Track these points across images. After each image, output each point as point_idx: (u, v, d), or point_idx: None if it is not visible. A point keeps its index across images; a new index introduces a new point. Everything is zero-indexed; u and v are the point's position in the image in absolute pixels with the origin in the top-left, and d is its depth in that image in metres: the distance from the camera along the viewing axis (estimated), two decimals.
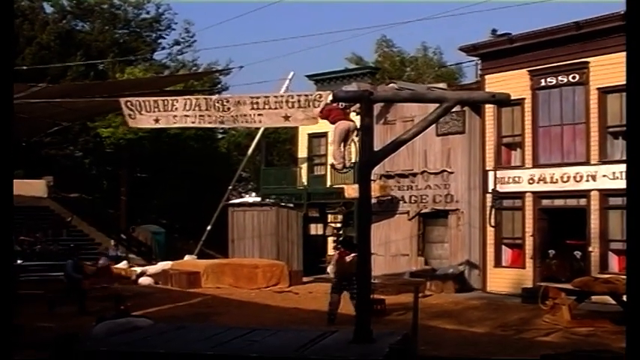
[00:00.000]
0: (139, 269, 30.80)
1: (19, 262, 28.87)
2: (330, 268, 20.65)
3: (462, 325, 19.02)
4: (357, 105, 13.26)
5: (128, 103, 13.29)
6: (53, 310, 20.24)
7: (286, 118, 12.39)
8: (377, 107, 24.26)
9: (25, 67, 33.79)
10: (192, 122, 13.05)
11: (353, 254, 18.69)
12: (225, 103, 12.71)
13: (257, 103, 12.47)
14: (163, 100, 13.15)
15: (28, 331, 15.31)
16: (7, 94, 6.91)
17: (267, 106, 12.43)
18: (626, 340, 6.20)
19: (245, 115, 12.58)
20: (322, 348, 7.85)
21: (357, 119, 14.19)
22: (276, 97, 12.68)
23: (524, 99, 25.34)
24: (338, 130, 15.54)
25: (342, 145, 15.88)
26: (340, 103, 15.73)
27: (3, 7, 6.90)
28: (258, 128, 36.73)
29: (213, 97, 13.24)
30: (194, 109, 12.72)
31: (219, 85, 50.88)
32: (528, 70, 25.41)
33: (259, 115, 12.47)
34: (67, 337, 8.35)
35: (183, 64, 53.10)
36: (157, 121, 13.14)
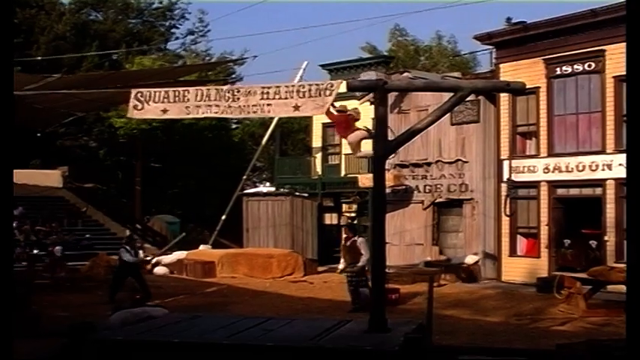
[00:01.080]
0: (154, 259, 30.94)
1: (35, 251, 29.13)
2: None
3: (476, 314, 19.00)
4: (371, 95, 13.25)
5: (139, 94, 13.23)
6: (113, 299, 19.47)
7: (296, 108, 12.28)
8: (391, 96, 24.28)
9: (39, 58, 33.91)
10: (204, 113, 12.99)
11: (353, 238, 19.06)
12: (235, 93, 12.63)
13: (267, 93, 12.38)
14: (174, 91, 13.09)
15: (44, 319, 15.43)
16: (7, 90, 6.91)
17: (277, 96, 12.32)
18: (627, 332, 6.19)
19: (255, 105, 12.50)
20: (337, 337, 7.86)
21: (370, 109, 14.17)
22: (287, 86, 12.56)
23: (539, 88, 25.24)
24: (352, 138, 15.92)
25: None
26: (349, 114, 16.14)
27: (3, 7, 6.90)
28: (272, 118, 36.78)
29: (224, 87, 13.16)
30: (205, 100, 12.66)
31: (234, 75, 50.94)
32: (543, 59, 25.29)
33: (268, 105, 12.38)
34: (84, 326, 8.40)
35: (196, 54, 53.13)
36: (164, 111, 13.07)
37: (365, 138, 16.28)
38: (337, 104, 15.17)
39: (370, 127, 15.20)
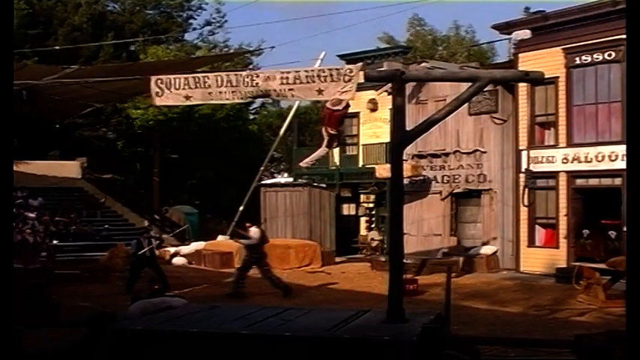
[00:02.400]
0: (172, 249, 31.04)
1: (54, 242, 29.33)
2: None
3: (495, 305, 18.96)
4: (389, 85, 13.25)
5: (158, 81, 13.31)
6: (130, 290, 19.33)
7: (320, 92, 12.36)
8: (409, 87, 24.21)
9: (57, 48, 34.04)
10: (227, 99, 13.10)
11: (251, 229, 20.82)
12: (254, 79, 12.72)
13: (287, 78, 12.46)
14: (194, 78, 13.17)
15: (64, 309, 15.53)
16: (7, 83, 6.93)
17: (297, 81, 12.42)
18: (627, 326, 6.15)
19: (275, 90, 12.60)
20: (355, 327, 7.86)
21: (388, 100, 14.22)
22: (306, 71, 12.62)
23: (558, 77, 25.07)
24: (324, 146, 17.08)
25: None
26: (337, 111, 16.76)
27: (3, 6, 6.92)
28: (289, 109, 36.79)
29: (244, 73, 13.26)
30: (226, 85, 12.75)
31: (251, 66, 50.86)
32: (562, 48, 25.12)
33: (290, 89, 12.46)
34: (103, 316, 8.44)
35: (214, 45, 53.11)
36: (187, 98, 13.16)
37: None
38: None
39: (388, 117, 15.37)
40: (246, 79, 12.64)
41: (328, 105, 17.49)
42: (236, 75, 12.99)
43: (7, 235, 6.77)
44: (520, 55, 26.38)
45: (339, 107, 17.17)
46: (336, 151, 35.34)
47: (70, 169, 39.85)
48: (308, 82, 12.20)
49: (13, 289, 6.72)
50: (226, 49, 52.61)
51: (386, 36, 56.14)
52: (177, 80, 13.16)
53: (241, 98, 13.03)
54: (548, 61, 24.75)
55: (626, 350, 6.14)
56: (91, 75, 25.88)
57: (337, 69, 12.31)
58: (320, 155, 20.27)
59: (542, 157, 25.77)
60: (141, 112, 40.54)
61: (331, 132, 17.66)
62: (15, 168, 34.92)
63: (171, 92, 13.14)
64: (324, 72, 12.41)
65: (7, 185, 6.70)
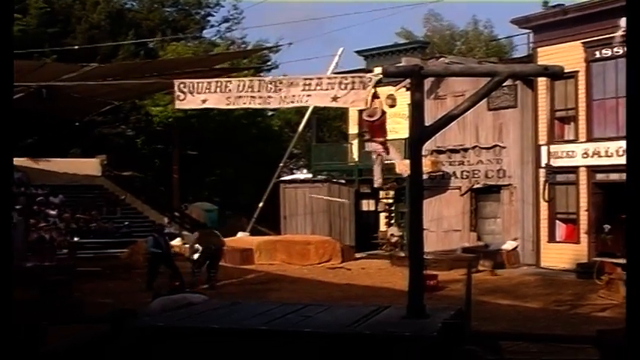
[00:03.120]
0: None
1: (75, 239, 29.51)
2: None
3: (515, 300, 18.91)
4: (407, 81, 13.24)
5: (181, 85, 13.36)
6: (150, 287, 19.52)
7: (334, 99, 12.39)
8: (427, 82, 24.16)
9: (76, 47, 34.21)
10: (244, 103, 13.12)
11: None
12: (278, 85, 12.75)
13: (309, 84, 12.49)
14: (217, 82, 13.21)
15: (86, 306, 15.63)
16: (7, 84, 6.97)
17: (318, 87, 12.45)
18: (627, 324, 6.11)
19: (294, 96, 12.62)
20: (375, 323, 7.85)
21: (406, 95, 14.19)
22: (329, 78, 12.67)
23: (577, 72, 24.94)
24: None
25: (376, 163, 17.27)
26: (376, 120, 16.65)
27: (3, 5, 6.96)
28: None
29: (267, 79, 13.34)
30: (247, 90, 12.79)
31: (269, 63, 50.91)
32: (582, 42, 24.97)
33: (308, 95, 12.49)
34: (124, 312, 8.48)
35: (232, 42, 53.16)
36: (204, 101, 13.22)
37: (379, 152, 17.44)
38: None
39: (406, 113, 15.27)
40: (270, 85, 12.69)
41: (365, 117, 17.40)
42: (259, 81, 13.05)
43: (6, 235, 6.81)
44: (539, 49, 26.27)
45: (376, 117, 17.08)
46: (355, 147, 35.37)
47: (90, 166, 40.01)
48: (327, 89, 12.23)
49: (11, 289, 6.76)
50: (244, 45, 52.67)
51: (404, 31, 56.05)
52: (200, 84, 13.20)
53: (259, 104, 13.05)
54: (567, 55, 24.62)
55: (626, 349, 6.07)
56: (110, 72, 26.03)
57: (360, 76, 12.32)
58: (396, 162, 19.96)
59: (562, 151, 25.64)
60: (160, 109, 40.63)
61: (379, 140, 17.52)
62: (36, 165, 35.39)
63: (192, 96, 13.22)
64: (346, 79, 12.43)
65: (7, 185, 6.74)
